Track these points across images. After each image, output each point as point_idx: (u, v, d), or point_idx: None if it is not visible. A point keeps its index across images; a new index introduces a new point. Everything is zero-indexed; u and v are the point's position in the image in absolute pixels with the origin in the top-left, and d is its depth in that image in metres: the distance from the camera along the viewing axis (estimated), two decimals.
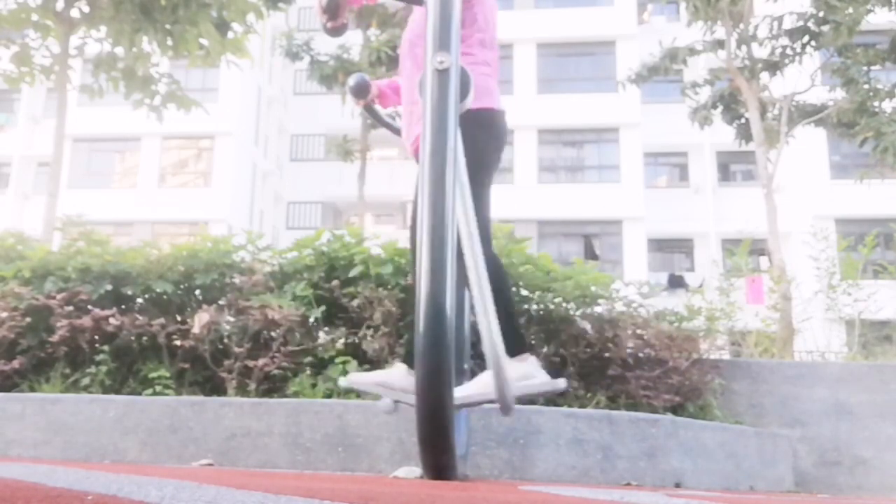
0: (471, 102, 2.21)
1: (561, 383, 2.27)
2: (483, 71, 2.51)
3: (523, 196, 22.89)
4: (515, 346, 2.28)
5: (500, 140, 2.56)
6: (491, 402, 2.24)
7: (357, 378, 2.58)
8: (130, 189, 24.41)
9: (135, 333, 3.86)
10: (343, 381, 2.59)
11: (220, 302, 3.93)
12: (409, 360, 2.50)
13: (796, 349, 8.30)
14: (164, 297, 3.99)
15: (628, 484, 3.07)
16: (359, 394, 3.58)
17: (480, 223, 2.25)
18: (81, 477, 1.47)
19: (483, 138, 2.45)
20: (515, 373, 2.22)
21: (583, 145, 24.71)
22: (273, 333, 3.74)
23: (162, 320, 3.81)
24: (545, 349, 3.77)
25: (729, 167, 25.45)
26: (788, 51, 10.16)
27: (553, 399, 3.66)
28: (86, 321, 3.73)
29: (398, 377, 2.48)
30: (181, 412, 3.22)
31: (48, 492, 1.10)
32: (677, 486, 3.25)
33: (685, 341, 4.11)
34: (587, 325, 3.90)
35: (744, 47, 10.12)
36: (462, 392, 2.34)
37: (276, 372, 3.66)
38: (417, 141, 2.45)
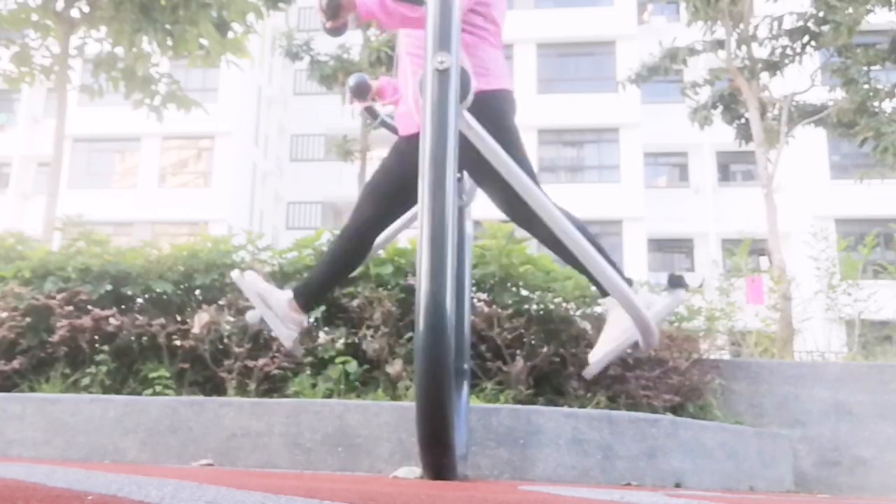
0: (471, 101, 2.22)
1: (680, 293, 2.25)
2: (494, 54, 2.54)
3: None
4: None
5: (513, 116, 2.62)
6: (635, 345, 2.21)
7: (248, 278, 2.63)
8: (130, 189, 24.40)
9: (135, 333, 3.86)
10: (234, 273, 2.64)
11: (220, 302, 3.93)
12: (298, 292, 2.56)
13: (796, 349, 8.29)
14: (164, 297, 3.99)
15: (628, 484, 3.07)
16: (359, 394, 3.58)
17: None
18: (81, 477, 1.47)
19: (509, 115, 2.51)
20: (642, 304, 2.21)
21: (583, 145, 24.69)
22: (273, 333, 3.74)
23: (162, 320, 3.81)
24: (545, 349, 3.77)
25: (729, 167, 25.44)
26: (788, 51, 10.16)
27: (553, 399, 3.66)
28: (86, 321, 3.73)
29: (278, 300, 2.55)
30: (181, 412, 3.22)
31: (48, 492, 1.09)
32: (677, 486, 3.25)
33: (685, 341, 4.11)
34: (587, 325, 3.90)
35: (744, 47, 10.12)
36: (602, 350, 2.30)
37: (276, 372, 3.66)
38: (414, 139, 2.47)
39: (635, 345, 2.22)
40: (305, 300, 2.55)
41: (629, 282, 2.30)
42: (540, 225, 2.28)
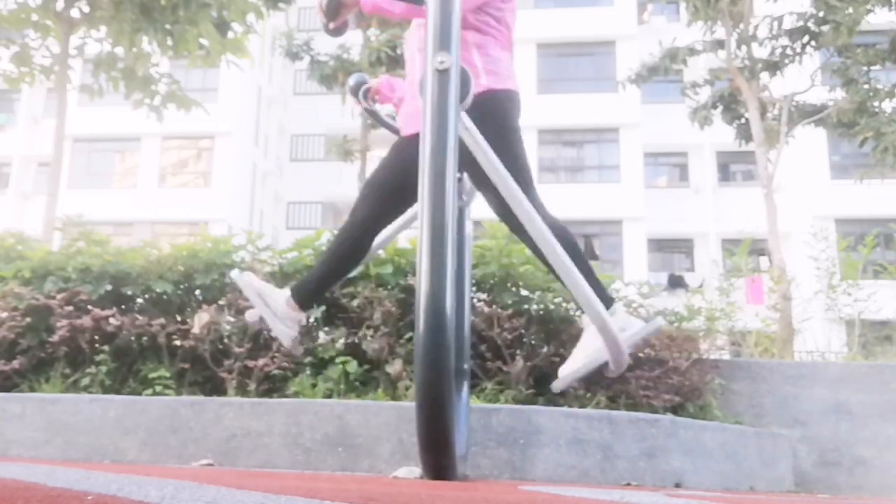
0: (470, 102, 2.22)
1: (658, 321, 2.27)
2: (504, 56, 2.54)
3: None
4: (602, 301, 2.27)
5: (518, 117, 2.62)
6: (605, 365, 2.22)
7: (247, 278, 2.67)
8: (130, 189, 24.39)
9: (135, 333, 3.86)
10: (234, 273, 2.69)
11: (220, 302, 3.93)
12: (296, 291, 2.58)
13: (796, 349, 8.29)
14: (164, 297, 3.99)
15: (628, 484, 3.07)
16: (359, 394, 3.58)
17: (533, 196, 2.29)
18: (81, 477, 1.47)
19: (515, 115, 2.51)
20: (615, 327, 2.21)
21: (583, 145, 24.69)
22: (273, 333, 3.74)
23: (162, 320, 3.81)
24: (545, 349, 3.77)
25: (729, 167, 25.43)
26: (788, 51, 10.16)
27: (553, 399, 3.66)
28: (86, 321, 3.73)
29: (277, 299, 2.58)
30: (181, 412, 3.22)
31: (48, 492, 1.10)
32: (677, 486, 3.24)
33: (685, 341, 4.11)
34: None
35: (744, 47, 10.12)
36: (571, 367, 2.32)
37: (276, 372, 3.66)
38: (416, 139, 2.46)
39: (605, 365, 2.22)
40: (303, 298, 2.58)
41: (610, 301, 2.31)
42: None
